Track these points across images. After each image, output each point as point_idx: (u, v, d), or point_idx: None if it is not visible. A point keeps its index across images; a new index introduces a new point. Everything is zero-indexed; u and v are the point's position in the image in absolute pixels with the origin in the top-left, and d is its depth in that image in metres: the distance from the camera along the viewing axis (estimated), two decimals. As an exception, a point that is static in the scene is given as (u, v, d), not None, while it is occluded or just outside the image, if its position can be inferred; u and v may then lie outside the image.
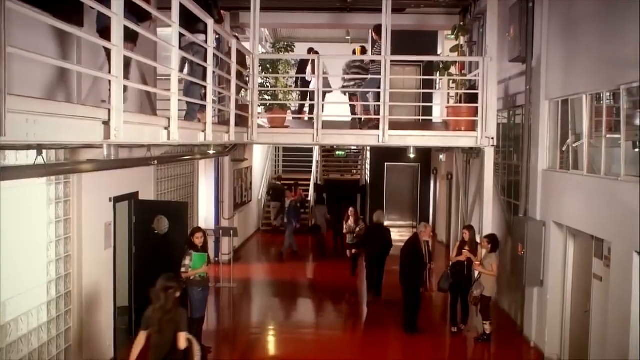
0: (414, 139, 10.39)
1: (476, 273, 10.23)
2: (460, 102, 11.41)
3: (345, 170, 24.82)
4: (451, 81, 11.75)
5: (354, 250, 14.40)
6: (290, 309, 12.81)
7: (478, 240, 10.39)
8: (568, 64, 8.85)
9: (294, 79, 12.90)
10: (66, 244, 7.34)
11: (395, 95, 10.67)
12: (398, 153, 21.18)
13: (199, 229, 9.45)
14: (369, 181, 23.35)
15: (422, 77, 10.96)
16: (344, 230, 14.97)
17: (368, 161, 23.68)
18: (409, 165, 22.40)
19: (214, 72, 7.49)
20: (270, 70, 10.49)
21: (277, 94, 10.69)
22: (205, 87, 7.35)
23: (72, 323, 7.51)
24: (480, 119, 10.02)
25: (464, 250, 10.32)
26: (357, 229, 14.35)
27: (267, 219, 21.61)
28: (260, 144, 13.07)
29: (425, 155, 21.28)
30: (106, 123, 4.41)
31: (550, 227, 9.34)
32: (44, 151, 6.11)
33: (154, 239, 9.53)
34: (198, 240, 9.09)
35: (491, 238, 10.02)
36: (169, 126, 5.84)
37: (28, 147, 5.82)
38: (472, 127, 10.28)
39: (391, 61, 9.81)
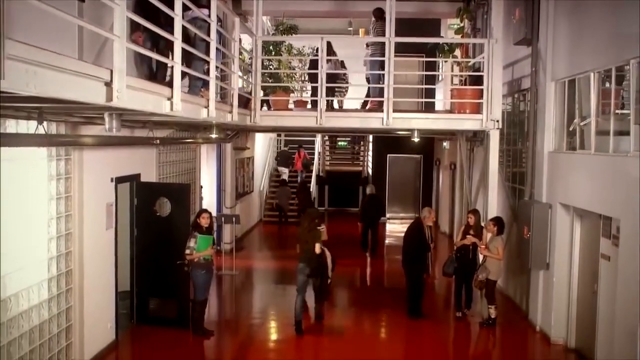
0: (418, 122, 10.31)
1: (481, 257, 10.13)
2: (465, 86, 11.30)
3: (347, 161, 24.69)
4: (455, 64, 11.64)
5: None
6: (293, 295, 12.64)
7: (483, 224, 10.29)
8: (575, 43, 8.73)
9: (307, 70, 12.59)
10: (67, 222, 7.23)
11: (397, 81, 10.62)
12: (401, 144, 21.21)
13: (205, 210, 9.41)
14: (371, 173, 23.27)
15: (425, 59, 10.79)
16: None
17: (370, 153, 23.59)
18: (411, 157, 22.32)
19: (217, 49, 7.43)
20: (273, 53, 10.36)
21: (280, 77, 10.58)
22: (208, 63, 7.27)
23: (74, 302, 7.41)
24: (486, 102, 9.96)
25: (468, 235, 10.22)
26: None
27: (269, 210, 21.51)
28: (263, 128, 12.95)
29: (428, 146, 21.17)
30: (108, 85, 4.32)
31: (556, 209, 9.23)
32: (45, 123, 6.03)
33: (156, 222, 9.43)
34: (205, 220, 9.04)
35: (497, 220, 9.92)
36: (172, 97, 5.76)
37: (28, 117, 5.75)
38: (477, 110, 10.21)
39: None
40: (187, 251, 8.90)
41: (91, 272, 7.79)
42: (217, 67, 7.66)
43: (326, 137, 23.45)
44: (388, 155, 22.36)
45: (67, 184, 7.22)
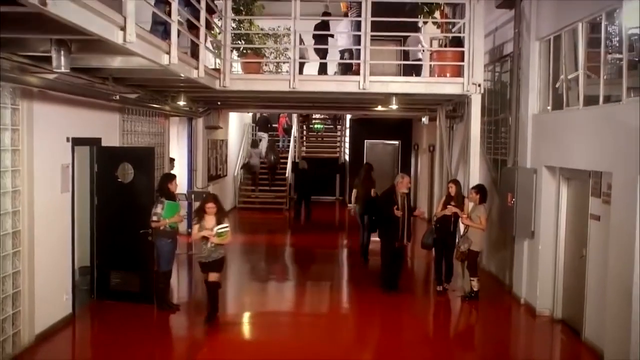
0: (396, 86, 9.84)
1: (462, 228, 9.68)
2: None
3: (324, 147, 24.06)
4: (436, 26, 11.20)
5: (211, 277, 8.13)
6: (264, 275, 12.10)
7: (464, 194, 9.84)
8: (560, -3, 8.31)
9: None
10: (14, 177, 6.59)
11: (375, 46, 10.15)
12: (379, 130, 20.79)
13: (174, 175, 8.95)
14: (348, 159, 22.78)
15: (406, 20, 10.23)
16: (192, 233, 8.16)
17: (347, 139, 23.09)
18: (389, 143, 21.92)
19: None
20: (244, 12, 9.79)
21: (251, 38, 10.02)
22: (169, 5, 6.70)
23: (22, 266, 6.76)
24: (467, 64, 9.56)
25: (449, 205, 9.74)
26: (219, 230, 7.82)
27: (244, 195, 20.87)
28: (233, 97, 12.37)
29: (406, 130, 20.86)
30: (42, -14, 3.73)
31: (542, 173, 8.79)
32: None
33: (118, 189, 8.79)
34: (174, 186, 8.69)
35: (479, 188, 9.47)
36: (125, 27, 5.17)
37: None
38: (458, 73, 9.78)
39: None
40: (154, 218, 8.33)
41: (43, 236, 7.14)
42: (182, 18, 7.11)
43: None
44: (366, 140, 21.92)
45: (14, 136, 6.58)
